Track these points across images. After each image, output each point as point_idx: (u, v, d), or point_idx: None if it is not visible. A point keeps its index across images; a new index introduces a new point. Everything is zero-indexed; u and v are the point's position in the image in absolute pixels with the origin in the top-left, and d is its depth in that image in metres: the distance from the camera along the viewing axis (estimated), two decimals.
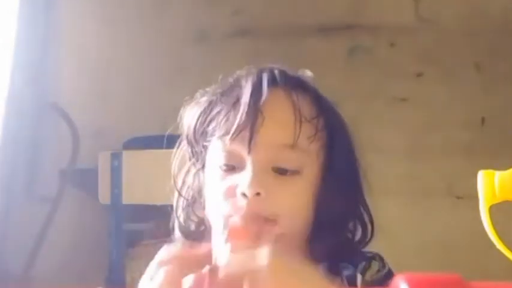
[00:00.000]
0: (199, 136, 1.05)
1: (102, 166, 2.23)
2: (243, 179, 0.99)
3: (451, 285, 0.49)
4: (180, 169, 1.09)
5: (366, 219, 1.08)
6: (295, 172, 1.01)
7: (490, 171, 0.81)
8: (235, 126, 0.99)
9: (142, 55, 2.71)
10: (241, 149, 1.00)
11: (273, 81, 1.04)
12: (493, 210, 0.80)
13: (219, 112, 1.03)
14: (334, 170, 1.04)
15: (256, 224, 0.98)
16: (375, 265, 1.04)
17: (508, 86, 2.69)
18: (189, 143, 1.07)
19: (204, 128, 1.04)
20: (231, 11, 2.75)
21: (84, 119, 2.59)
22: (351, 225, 1.06)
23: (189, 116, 1.07)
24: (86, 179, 2.38)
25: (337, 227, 1.04)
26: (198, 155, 1.07)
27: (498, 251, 0.80)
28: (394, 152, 2.64)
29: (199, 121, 1.05)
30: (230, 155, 1.01)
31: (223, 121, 1.01)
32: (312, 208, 1.02)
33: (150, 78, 2.69)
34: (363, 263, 1.03)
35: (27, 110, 2.58)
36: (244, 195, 0.98)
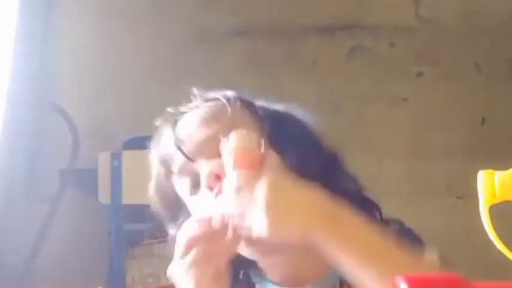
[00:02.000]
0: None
1: (102, 166, 2.24)
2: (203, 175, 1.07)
3: (451, 285, 0.49)
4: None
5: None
6: None
7: (490, 171, 0.81)
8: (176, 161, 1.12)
9: (143, 55, 2.71)
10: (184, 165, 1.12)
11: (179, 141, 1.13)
12: (493, 210, 0.80)
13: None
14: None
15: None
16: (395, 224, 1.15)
17: (508, 86, 2.69)
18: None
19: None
20: (231, 11, 2.75)
21: (84, 119, 2.59)
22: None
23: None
24: (86, 179, 2.38)
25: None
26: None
27: (498, 251, 0.80)
28: (394, 152, 2.64)
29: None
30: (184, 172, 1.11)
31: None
32: None
33: (150, 78, 2.69)
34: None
35: (27, 110, 2.58)
36: (211, 188, 1.05)
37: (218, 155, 1.05)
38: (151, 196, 1.24)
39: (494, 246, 0.79)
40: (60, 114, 2.54)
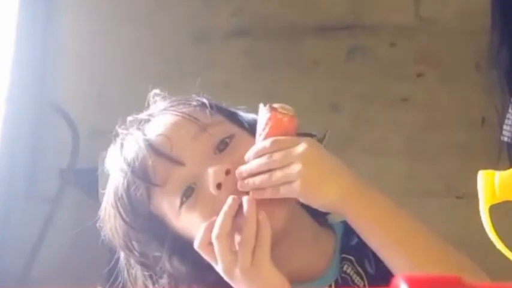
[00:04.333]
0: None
1: (102, 166, 2.23)
2: (209, 180, 0.99)
3: (451, 285, 0.49)
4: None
5: None
6: (231, 137, 1.03)
7: (490, 171, 0.81)
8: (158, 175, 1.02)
9: (142, 55, 2.71)
10: (172, 171, 1.02)
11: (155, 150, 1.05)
12: (493, 210, 0.80)
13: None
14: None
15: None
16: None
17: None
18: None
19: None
20: (231, 11, 2.75)
21: (84, 119, 2.59)
22: None
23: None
24: (86, 179, 2.37)
25: None
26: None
27: (498, 251, 0.80)
28: (394, 152, 2.64)
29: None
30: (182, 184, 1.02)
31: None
32: None
33: (149, 78, 2.69)
34: None
35: (27, 110, 2.58)
36: (219, 185, 0.99)
37: (209, 153, 1.02)
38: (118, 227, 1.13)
39: (494, 246, 0.79)
40: (60, 114, 2.54)
